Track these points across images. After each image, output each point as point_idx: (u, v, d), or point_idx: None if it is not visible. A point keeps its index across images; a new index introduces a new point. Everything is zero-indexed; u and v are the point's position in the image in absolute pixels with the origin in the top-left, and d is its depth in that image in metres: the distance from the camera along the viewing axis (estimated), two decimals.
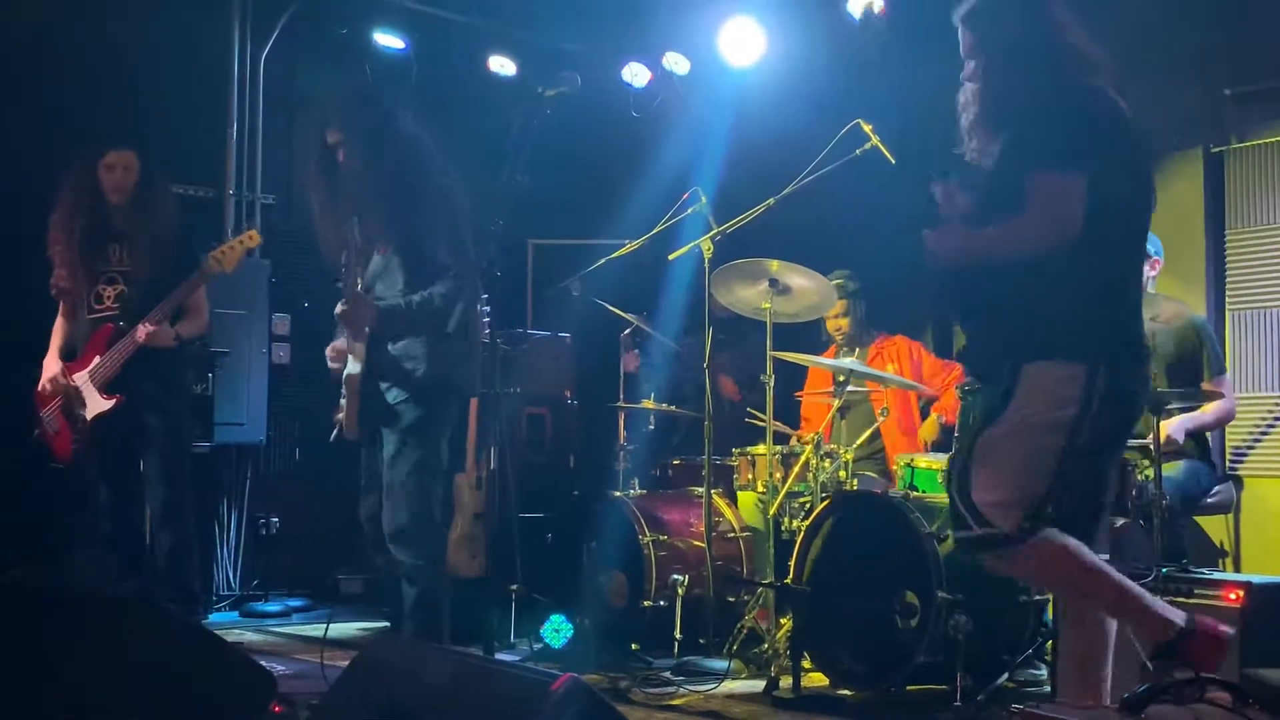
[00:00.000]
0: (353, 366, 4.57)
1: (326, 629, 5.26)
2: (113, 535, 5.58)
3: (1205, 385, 5.36)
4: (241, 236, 5.54)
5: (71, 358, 5.55)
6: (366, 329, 4.53)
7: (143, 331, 5.36)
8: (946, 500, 4.90)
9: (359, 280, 4.52)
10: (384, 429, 4.59)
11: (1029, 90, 3.18)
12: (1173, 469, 5.21)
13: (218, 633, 5.64)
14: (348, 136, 4.61)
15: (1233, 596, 4.27)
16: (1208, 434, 5.56)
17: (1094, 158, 3.05)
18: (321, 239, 4.71)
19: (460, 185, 4.68)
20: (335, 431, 4.72)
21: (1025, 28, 3.25)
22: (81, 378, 5.43)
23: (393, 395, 4.58)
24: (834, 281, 5.98)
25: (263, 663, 3.57)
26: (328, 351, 4.74)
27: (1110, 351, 3.08)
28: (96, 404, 5.39)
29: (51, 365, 5.53)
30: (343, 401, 4.64)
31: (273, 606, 7.14)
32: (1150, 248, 5.49)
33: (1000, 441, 3.10)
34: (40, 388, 5.50)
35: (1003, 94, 3.25)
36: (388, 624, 6.41)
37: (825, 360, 5.93)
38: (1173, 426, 5.24)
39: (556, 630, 5.37)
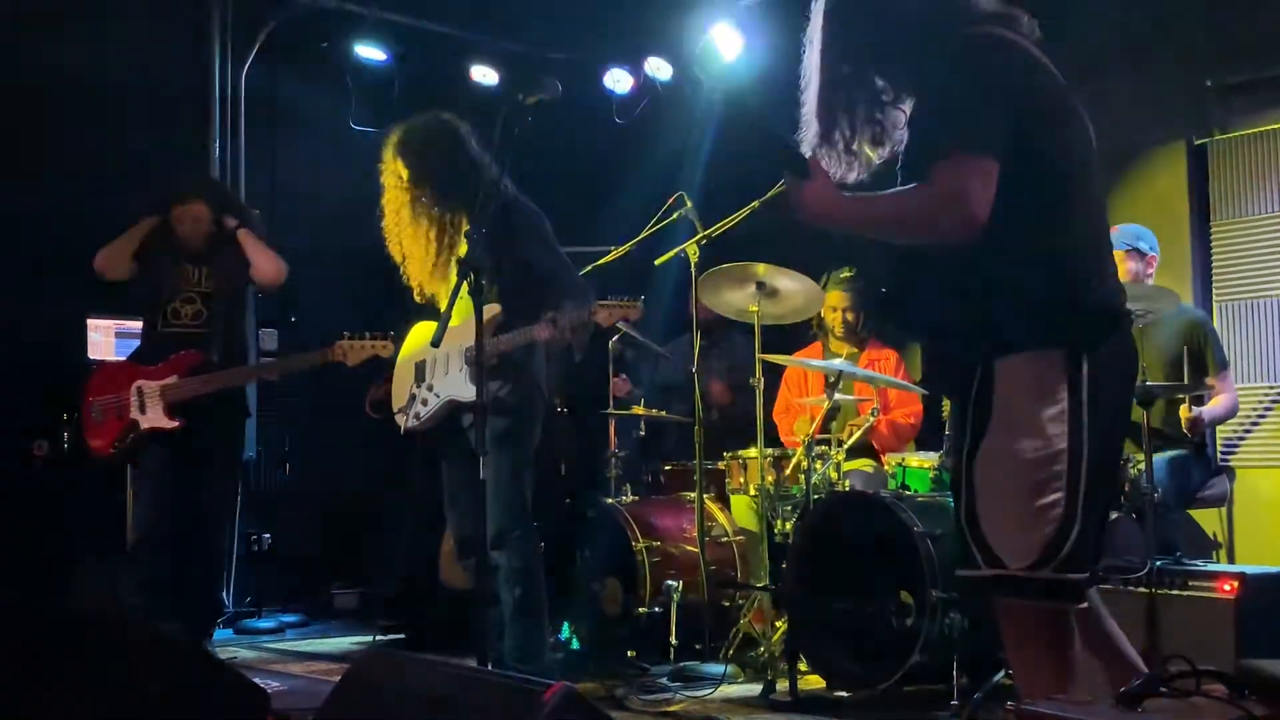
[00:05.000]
0: (459, 389, 4.63)
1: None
2: (138, 544, 5.58)
3: (1209, 379, 5.39)
4: (376, 342, 5.38)
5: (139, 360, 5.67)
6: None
7: (246, 378, 5.72)
8: (938, 499, 4.96)
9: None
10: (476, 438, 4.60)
11: (915, 54, 2.82)
12: (1166, 459, 5.22)
13: (211, 650, 5.70)
14: (417, 173, 4.71)
15: (1227, 588, 4.27)
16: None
17: (1000, 127, 2.66)
18: (409, 274, 4.80)
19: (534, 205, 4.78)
20: (402, 428, 4.87)
21: None
22: (151, 387, 5.48)
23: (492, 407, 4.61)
24: (843, 275, 6.06)
25: (256, 679, 3.55)
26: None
27: (1086, 328, 2.73)
28: (158, 419, 5.46)
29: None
30: (420, 408, 4.74)
31: (266, 623, 7.13)
32: (1144, 244, 5.51)
33: (998, 456, 2.70)
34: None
35: (889, 64, 2.90)
36: (381, 637, 6.41)
37: (815, 362, 5.92)
38: (1200, 408, 5.28)
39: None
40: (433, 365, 4.78)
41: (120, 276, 5.68)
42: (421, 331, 4.92)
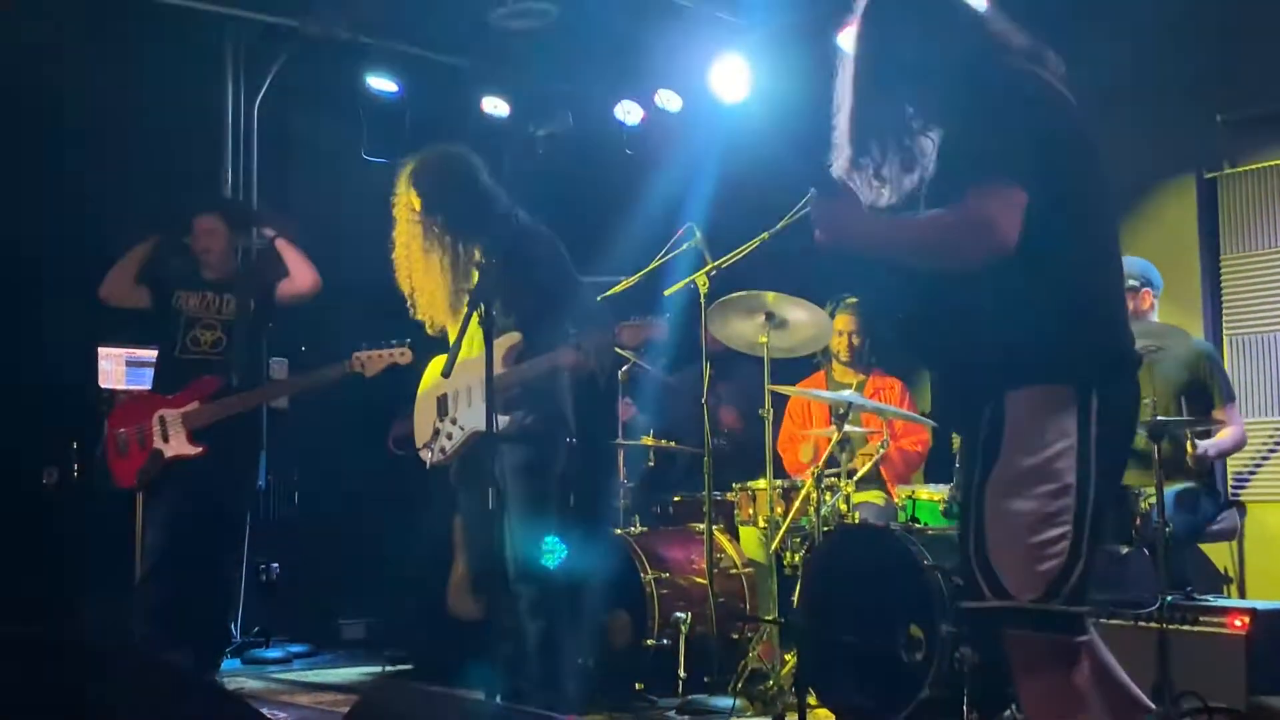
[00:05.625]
0: (483, 420, 4.61)
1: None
2: (149, 574, 5.57)
3: (1216, 413, 5.38)
4: (394, 350, 5.42)
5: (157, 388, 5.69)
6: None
7: (266, 397, 5.82)
8: (948, 531, 4.94)
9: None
10: (500, 470, 4.59)
11: (947, 85, 2.87)
12: (1175, 492, 5.21)
13: (219, 680, 5.68)
14: (430, 204, 4.74)
15: (1238, 623, 4.25)
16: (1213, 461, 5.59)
17: (1031, 160, 2.70)
18: (419, 307, 4.82)
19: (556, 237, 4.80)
20: (428, 463, 4.86)
21: (935, 14, 2.93)
22: (173, 415, 5.48)
23: (511, 433, 4.62)
24: (849, 300, 6.08)
25: (264, 710, 3.55)
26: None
27: (1097, 366, 2.77)
28: (181, 447, 5.46)
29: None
30: (445, 442, 4.73)
31: (274, 653, 7.10)
32: (1135, 281, 5.50)
33: (1007, 488, 2.72)
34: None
35: (921, 94, 2.93)
36: (388, 668, 6.39)
37: (825, 393, 5.92)
38: (1206, 443, 5.27)
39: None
40: (454, 398, 4.78)
41: (126, 300, 5.69)
42: (440, 366, 4.92)
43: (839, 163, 2.99)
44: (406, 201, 4.79)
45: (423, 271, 4.76)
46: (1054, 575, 2.67)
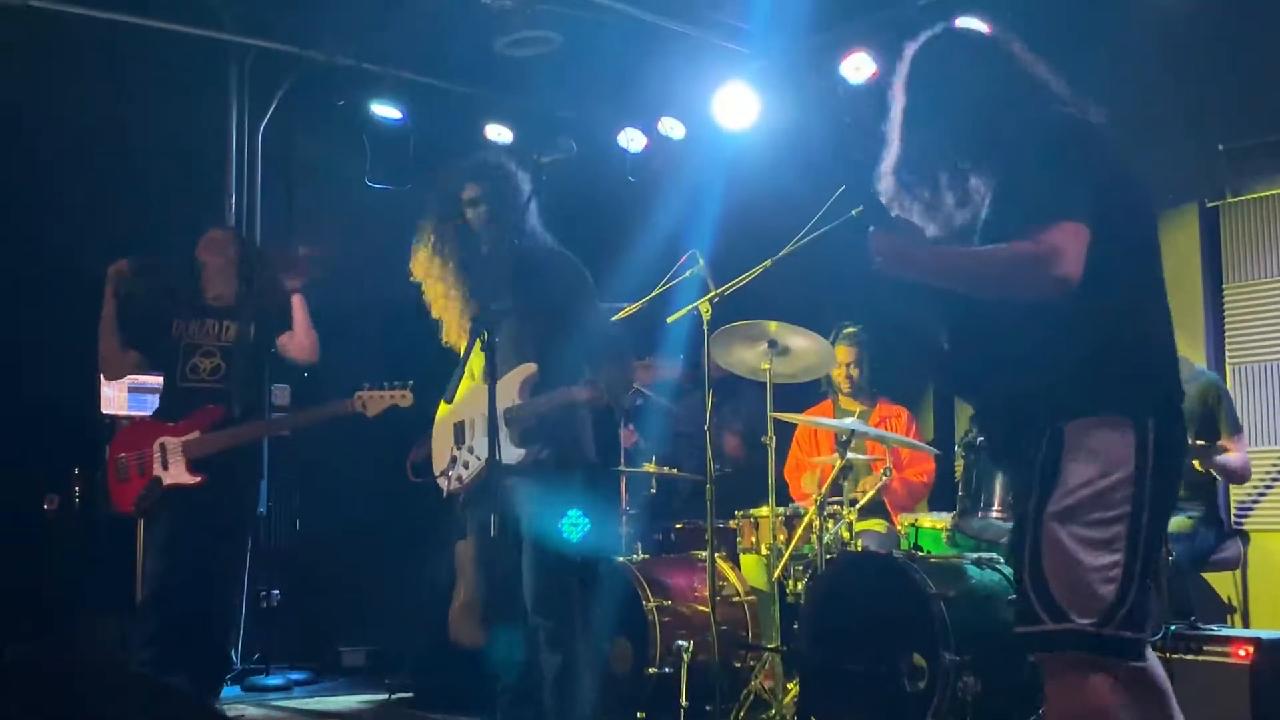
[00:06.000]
0: (489, 448, 4.60)
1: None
2: (150, 599, 5.55)
3: (1224, 443, 5.38)
4: (396, 392, 5.37)
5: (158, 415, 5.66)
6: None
7: (266, 431, 5.87)
8: (951, 560, 4.93)
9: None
10: (513, 501, 4.59)
11: (1002, 131, 2.96)
12: (1179, 525, 5.21)
13: (218, 707, 5.66)
14: (484, 192, 4.72)
15: (1242, 653, 4.24)
16: (1215, 489, 5.58)
17: (1089, 197, 2.80)
18: (443, 313, 4.78)
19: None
20: (445, 490, 4.83)
21: (985, 64, 3.06)
22: (174, 443, 5.45)
23: (526, 466, 4.60)
24: (847, 330, 6.07)
25: None
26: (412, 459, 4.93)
27: (1153, 397, 2.84)
28: (180, 475, 5.41)
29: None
30: (462, 470, 4.70)
31: (274, 680, 7.09)
32: None
33: (1065, 515, 2.77)
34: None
35: (973, 140, 3.01)
36: (390, 696, 6.37)
37: (828, 421, 5.91)
38: (1215, 457, 5.28)
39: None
40: (471, 426, 4.76)
41: (125, 371, 5.73)
42: (460, 393, 4.90)
43: (884, 189, 3.10)
44: (443, 201, 4.78)
45: (441, 285, 4.74)
46: (1110, 600, 2.74)
